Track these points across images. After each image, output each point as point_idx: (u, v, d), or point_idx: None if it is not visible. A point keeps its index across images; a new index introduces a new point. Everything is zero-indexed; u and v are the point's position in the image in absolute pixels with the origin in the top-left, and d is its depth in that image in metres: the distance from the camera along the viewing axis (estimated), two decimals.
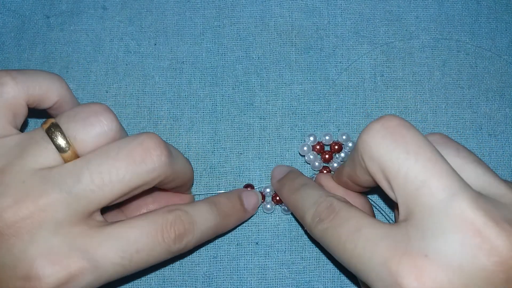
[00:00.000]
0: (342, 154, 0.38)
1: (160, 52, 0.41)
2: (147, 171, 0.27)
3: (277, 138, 0.39)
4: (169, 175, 0.29)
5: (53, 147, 0.27)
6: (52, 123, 0.27)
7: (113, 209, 0.34)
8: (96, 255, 0.26)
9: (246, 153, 0.39)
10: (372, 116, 0.39)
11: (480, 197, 0.24)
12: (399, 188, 0.25)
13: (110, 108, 0.28)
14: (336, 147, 0.38)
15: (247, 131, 0.39)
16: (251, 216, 0.37)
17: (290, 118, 0.39)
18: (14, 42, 0.41)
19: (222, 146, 0.39)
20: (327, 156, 0.37)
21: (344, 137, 0.38)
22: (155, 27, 0.41)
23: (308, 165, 0.38)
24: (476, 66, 0.40)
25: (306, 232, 0.37)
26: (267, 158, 0.38)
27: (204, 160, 0.38)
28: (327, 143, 0.38)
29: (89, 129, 0.27)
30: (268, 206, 0.37)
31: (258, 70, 0.40)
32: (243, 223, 0.37)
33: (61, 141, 0.27)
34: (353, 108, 0.39)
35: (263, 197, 0.37)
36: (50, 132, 0.27)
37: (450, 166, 0.25)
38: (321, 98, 0.40)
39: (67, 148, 0.27)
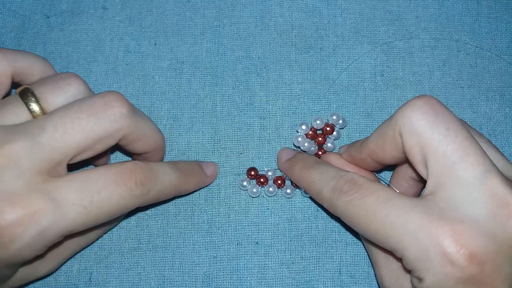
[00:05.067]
0: (334, 133, 0.38)
1: (160, 52, 0.41)
2: (109, 121, 0.29)
3: (277, 138, 0.39)
4: (132, 130, 0.30)
5: (25, 107, 0.29)
6: (26, 87, 0.29)
7: None
8: (57, 196, 0.27)
9: (246, 153, 0.39)
10: (372, 115, 0.39)
11: (505, 177, 0.27)
12: (435, 161, 0.27)
13: (80, 76, 0.31)
14: (328, 128, 0.38)
15: (247, 131, 0.39)
16: (211, 183, 0.38)
17: (290, 118, 0.39)
18: (14, 42, 0.41)
19: (222, 146, 0.39)
20: (320, 139, 0.38)
21: (334, 117, 0.38)
22: (155, 27, 0.41)
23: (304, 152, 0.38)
24: (476, 66, 0.40)
25: (321, 207, 0.37)
26: (267, 158, 0.38)
27: (204, 160, 0.38)
28: (319, 128, 0.38)
29: (58, 92, 0.30)
30: (271, 189, 0.37)
31: (258, 70, 0.40)
32: (202, 188, 0.38)
33: (32, 102, 0.29)
34: (353, 107, 0.39)
35: (266, 180, 0.37)
36: (23, 94, 0.29)
37: (481, 147, 0.27)
38: (321, 97, 0.40)
39: (37, 109, 0.29)
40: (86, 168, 0.37)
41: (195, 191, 0.37)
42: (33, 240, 0.27)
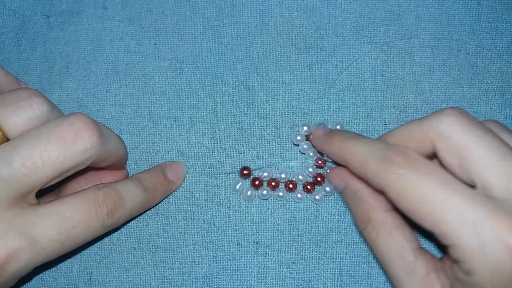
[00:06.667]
0: None
1: (160, 52, 0.41)
2: (79, 152, 0.28)
3: (277, 138, 0.39)
4: (101, 155, 0.29)
5: None
6: None
7: (48, 193, 0.35)
8: (33, 233, 0.27)
9: (246, 153, 0.39)
10: (372, 115, 0.39)
11: None
12: (478, 164, 0.27)
13: (40, 92, 0.29)
14: None
15: (247, 131, 0.39)
16: (179, 186, 0.38)
17: (290, 118, 0.39)
18: (14, 42, 0.41)
19: (222, 146, 0.39)
20: None
21: (338, 127, 0.38)
22: (155, 26, 0.41)
23: (305, 159, 0.38)
24: (476, 66, 0.40)
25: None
26: (267, 158, 0.38)
27: (204, 160, 0.38)
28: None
29: (19, 113, 0.28)
30: (264, 192, 0.37)
31: (258, 69, 0.40)
32: (171, 193, 0.38)
33: None
34: (353, 107, 0.39)
35: (260, 183, 0.37)
36: None
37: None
38: (321, 97, 0.40)
39: None
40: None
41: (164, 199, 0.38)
42: (11, 276, 0.28)
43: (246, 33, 0.41)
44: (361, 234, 0.34)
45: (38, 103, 0.28)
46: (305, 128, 0.38)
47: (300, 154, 0.38)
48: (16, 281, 0.29)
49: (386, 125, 0.39)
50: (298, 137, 0.38)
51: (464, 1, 0.42)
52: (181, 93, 0.40)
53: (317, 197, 0.37)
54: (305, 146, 0.38)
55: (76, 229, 0.29)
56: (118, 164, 0.34)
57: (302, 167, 0.38)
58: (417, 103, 0.39)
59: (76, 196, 0.30)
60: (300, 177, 0.37)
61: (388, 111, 0.39)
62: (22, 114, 0.28)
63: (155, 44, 0.41)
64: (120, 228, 0.37)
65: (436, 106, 0.39)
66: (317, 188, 0.37)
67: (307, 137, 0.38)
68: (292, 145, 0.38)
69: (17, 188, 0.27)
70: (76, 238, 0.29)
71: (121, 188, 0.32)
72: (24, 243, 0.27)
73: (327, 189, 0.37)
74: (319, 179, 0.37)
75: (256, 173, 0.38)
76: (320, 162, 0.37)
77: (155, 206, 0.37)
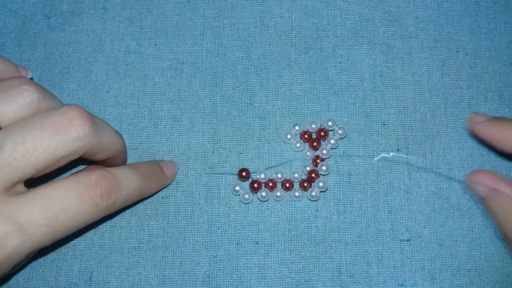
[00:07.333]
0: (332, 141, 0.38)
1: (161, 53, 0.41)
2: (72, 140, 0.28)
3: (277, 138, 0.39)
4: (94, 145, 0.29)
5: None
6: None
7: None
8: (20, 219, 0.27)
9: (246, 153, 0.39)
10: (371, 116, 0.39)
11: None
12: None
13: (33, 81, 0.29)
14: (322, 133, 0.38)
15: (247, 131, 0.39)
16: (170, 183, 0.38)
17: (290, 118, 0.39)
18: (15, 43, 0.41)
19: (222, 146, 0.39)
20: (315, 144, 0.38)
21: (330, 123, 0.38)
22: (156, 27, 0.42)
23: (301, 158, 0.38)
24: (475, 66, 0.40)
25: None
26: (267, 158, 0.39)
27: (204, 160, 0.38)
28: (314, 131, 0.38)
29: (10, 101, 0.28)
30: (264, 194, 0.37)
31: (258, 70, 0.40)
32: (163, 188, 0.38)
33: None
34: (353, 108, 0.39)
35: (259, 185, 0.37)
36: None
37: None
38: (320, 98, 0.40)
39: None
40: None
41: (157, 192, 0.38)
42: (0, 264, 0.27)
43: (245, 34, 0.41)
44: (508, 242, 0.32)
45: (29, 91, 0.28)
46: (297, 127, 0.38)
47: (296, 152, 0.39)
48: (8, 269, 0.28)
49: (385, 126, 0.39)
50: (288, 136, 0.38)
51: (463, 2, 0.42)
52: (181, 94, 0.40)
53: (313, 193, 0.37)
54: (298, 145, 0.38)
55: (66, 213, 0.28)
56: (117, 162, 0.34)
57: (299, 165, 0.38)
58: (416, 104, 0.40)
59: (66, 178, 0.29)
60: (296, 175, 0.37)
61: (387, 111, 0.39)
62: (13, 102, 0.28)
63: (155, 44, 0.41)
64: (117, 214, 0.37)
65: (435, 107, 0.39)
66: (313, 184, 0.37)
67: (301, 137, 0.38)
68: (292, 145, 0.39)
69: (7, 173, 0.27)
70: (67, 222, 0.28)
71: (117, 172, 0.31)
72: (10, 229, 0.26)
73: (320, 184, 0.37)
74: (313, 175, 0.37)
75: (253, 175, 0.38)
76: (318, 160, 0.38)
77: (151, 196, 0.37)
